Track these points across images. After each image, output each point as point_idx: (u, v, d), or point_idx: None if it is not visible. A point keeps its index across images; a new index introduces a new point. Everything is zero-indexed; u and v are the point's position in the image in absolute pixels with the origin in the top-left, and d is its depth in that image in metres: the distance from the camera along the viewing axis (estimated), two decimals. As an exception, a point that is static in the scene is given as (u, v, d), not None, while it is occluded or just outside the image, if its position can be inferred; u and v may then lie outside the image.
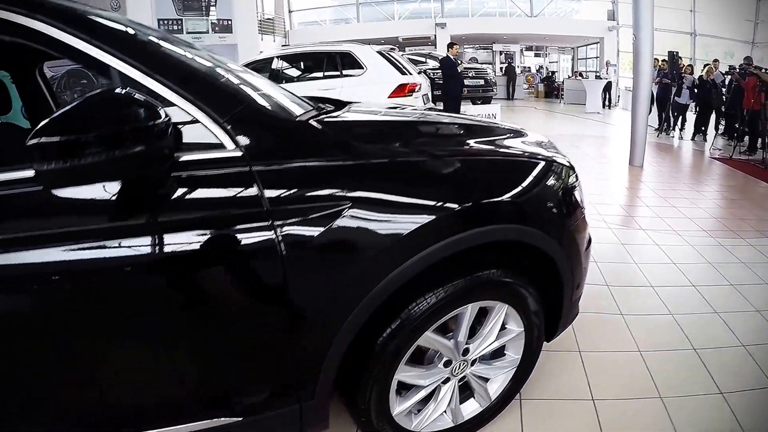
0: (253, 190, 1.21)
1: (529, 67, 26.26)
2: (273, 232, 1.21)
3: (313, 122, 1.49)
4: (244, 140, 1.24)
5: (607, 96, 17.28)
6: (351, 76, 6.91)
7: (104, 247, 1.13)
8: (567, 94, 18.85)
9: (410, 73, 7.11)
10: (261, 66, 7.53)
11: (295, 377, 1.40)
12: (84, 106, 1.03)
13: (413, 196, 1.41)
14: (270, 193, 1.22)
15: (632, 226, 4.73)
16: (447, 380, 1.75)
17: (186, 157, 1.20)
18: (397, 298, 1.43)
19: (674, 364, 2.47)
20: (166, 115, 1.10)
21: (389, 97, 6.66)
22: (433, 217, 1.39)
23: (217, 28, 12.74)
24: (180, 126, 1.23)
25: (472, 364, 1.79)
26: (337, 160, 1.36)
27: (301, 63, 7.52)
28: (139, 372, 1.28)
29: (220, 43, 12.78)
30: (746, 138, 8.90)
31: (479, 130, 2.06)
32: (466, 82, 11.49)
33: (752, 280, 3.50)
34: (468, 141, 1.83)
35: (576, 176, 1.93)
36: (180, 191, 1.19)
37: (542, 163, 1.75)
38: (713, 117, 10.72)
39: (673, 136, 10.94)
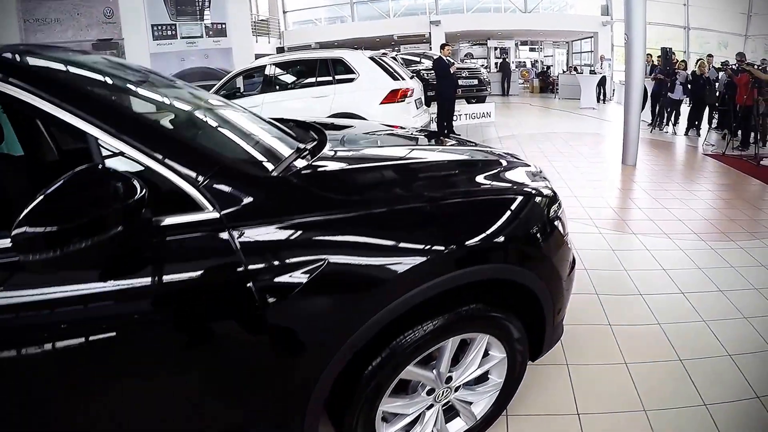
0: (230, 252, 1.25)
1: (525, 62, 26.26)
2: (252, 290, 1.25)
3: (290, 177, 1.51)
4: (220, 201, 1.27)
5: (602, 90, 17.31)
6: (344, 82, 6.92)
7: (87, 310, 1.18)
8: (562, 89, 18.86)
9: (403, 78, 7.13)
10: (254, 73, 7.56)
11: (285, 413, 1.45)
12: (64, 188, 1.05)
13: (392, 245, 1.45)
14: (247, 253, 1.26)
15: (624, 230, 4.77)
16: (431, 406, 1.80)
17: (164, 221, 1.23)
18: (380, 335, 1.46)
19: (660, 375, 2.52)
20: (142, 188, 1.14)
21: (381, 103, 6.70)
22: (413, 264, 1.41)
23: (211, 32, 12.69)
24: (157, 186, 1.25)
25: (455, 390, 1.83)
26: (316, 215, 1.38)
27: (294, 70, 7.53)
28: (132, 414, 1.34)
29: (214, 47, 12.77)
30: (739, 133, 8.96)
31: (463, 167, 2.06)
32: (460, 82, 11.49)
33: (741, 285, 3.54)
34: (451, 182, 1.85)
35: (559, 204, 1.97)
36: (159, 255, 1.24)
37: (524, 199, 1.79)
38: (707, 112, 10.74)
39: (666, 132, 10.96)
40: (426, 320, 1.55)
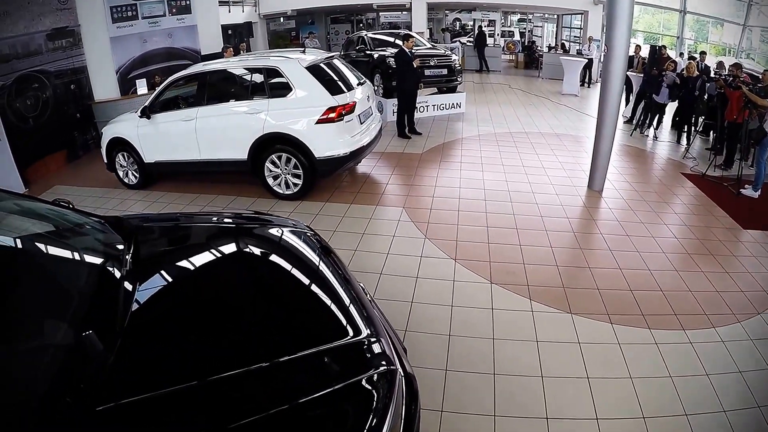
0: None
1: (512, 32, 25.15)
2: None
3: None
4: None
5: (588, 74, 16.39)
6: (279, 96, 6.08)
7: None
8: (546, 68, 17.96)
9: (347, 89, 6.28)
10: (186, 83, 6.75)
11: None
12: None
13: None
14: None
15: (560, 306, 4.08)
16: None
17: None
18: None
19: None
20: None
21: (318, 122, 5.90)
22: None
23: (174, 10, 11.79)
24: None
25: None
26: None
27: (230, 79, 6.65)
28: None
29: (178, 25, 11.84)
30: (724, 150, 8.27)
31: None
32: (428, 72, 10.53)
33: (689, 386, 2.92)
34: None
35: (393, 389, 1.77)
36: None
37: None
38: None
39: (646, 136, 10.21)
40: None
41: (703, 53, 12.16)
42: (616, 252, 5.04)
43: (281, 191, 6.43)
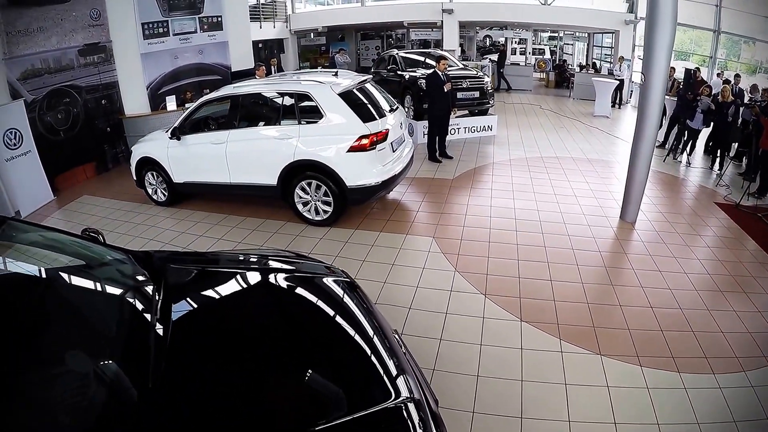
0: None
1: (543, 50, 25.06)
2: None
3: None
4: None
5: (619, 95, 16.27)
6: (310, 122, 6.19)
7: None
8: (577, 89, 17.83)
9: (379, 116, 6.36)
10: (217, 105, 6.92)
11: None
12: None
13: None
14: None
15: (590, 346, 4.12)
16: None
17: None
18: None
19: None
20: None
21: (349, 150, 5.99)
22: None
23: (206, 26, 12.16)
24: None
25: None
26: None
27: (261, 102, 6.74)
28: None
29: (209, 41, 12.20)
30: (758, 179, 8.15)
31: None
32: (459, 95, 10.52)
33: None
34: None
35: None
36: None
37: None
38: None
39: (679, 161, 10.11)
40: None
41: (737, 76, 12.00)
42: (647, 289, 5.04)
43: (311, 217, 6.50)
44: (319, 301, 2.65)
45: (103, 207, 7.80)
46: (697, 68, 11.94)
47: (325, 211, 6.42)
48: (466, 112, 11.54)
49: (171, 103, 10.73)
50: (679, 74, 12.64)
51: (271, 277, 2.81)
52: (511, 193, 7.67)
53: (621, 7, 17.75)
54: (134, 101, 10.65)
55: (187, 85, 11.70)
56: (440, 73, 9.03)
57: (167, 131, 7.13)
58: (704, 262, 5.74)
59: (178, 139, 6.95)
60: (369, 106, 6.48)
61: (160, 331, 2.14)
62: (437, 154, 9.45)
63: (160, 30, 11.11)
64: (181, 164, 7.06)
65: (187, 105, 10.75)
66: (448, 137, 9.94)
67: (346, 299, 2.64)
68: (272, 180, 6.44)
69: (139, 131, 9.94)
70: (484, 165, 9.21)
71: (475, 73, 11.75)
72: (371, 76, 7.39)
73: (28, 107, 8.21)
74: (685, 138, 10.24)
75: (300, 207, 6.52)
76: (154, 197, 7.61)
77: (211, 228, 6.63)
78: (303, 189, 6.40)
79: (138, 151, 7.51)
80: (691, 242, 6.25)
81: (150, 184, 7.56)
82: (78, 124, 9.43)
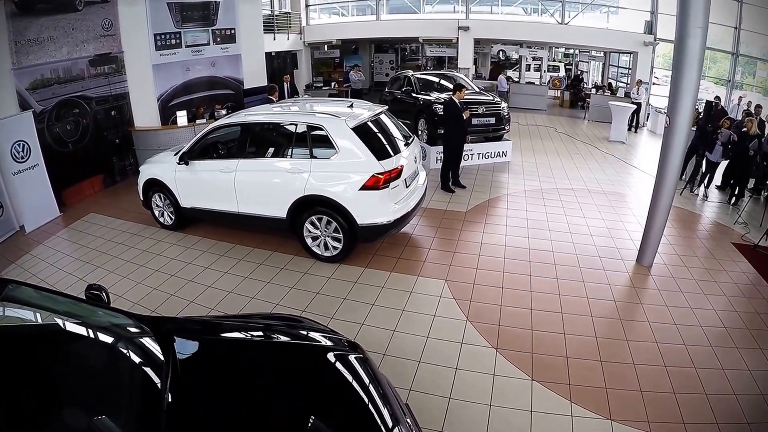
0: None
1: (557, 67, 24.91)
2: None
3: None
4: None
5: (635, 118, 16.06)
6: (321, 155, 6.07)
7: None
8: (592, 110, 17.66)
9: (394, 152, 6.22)
10: (227, 131, 6.84)
11: None
12: None
13: None
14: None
15: (601, 410, 3.96)
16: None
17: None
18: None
19: None
20: None
21: (361, 188, 5.87)
22: None
23: (219, 39, 12.12)
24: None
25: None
26: None
27: (272, 133, 6.63)
28: None
29: (222, 54, 12.16)
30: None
31: None
32: (475, 121, 10.37)
33: None
34: None
35: None
36: None
37: None
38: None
39: (696, 195, 9.92)
40: None
41: (759, 107, 11.80)
42: (662, 345, 4.88)
43: (320, 252, 6.40)
44: (329, 382, 2.67)
45: (108, 228, 7.74)
46: (718, 98, 11.70)
47: (335, 247, 6.31)
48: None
49: (182, 118, 10.68)
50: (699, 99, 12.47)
51: (276, 355, 2.91)
52: (525, 230, 7.49)
53: (639, 28, 17.53)
54: (144, 113, 10.62)
55: (199, 100, 11.66)
56: (457, 101, 8.88)
57: (176, 154, 7.06)
58: (720, 313, 5.56)
59: (187, 164, 6.87)
60: (383, 140, 6.32)
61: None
62: (450, 183, 9.29)
63: (173, 41, 11.11)
64: (188, 189, 7.01)
65: (197, 121, 10.73)
66: (462, 163, 9.77)
67: (353, 374, 2.68)
68: (281, 213, 6.34)
69: (148, 144, 9.92)
70: (499, 197, 9.05)
71: (492, 98, 11.58)
72: (386, 107, 7.22)
73: (36, 118, 8.18)
74: (703, 170, 10.05)
75: (309, 241, 6.42)
76: (161, 220, 7.57)
77: (217, 260, 6.54)
78: (313, 223, 6.29)
79: (145, 173, 7.47)
80: (708, 290, 6.06)
81: (157, 206, 7.51)
82: (87, 135, 9.40)
